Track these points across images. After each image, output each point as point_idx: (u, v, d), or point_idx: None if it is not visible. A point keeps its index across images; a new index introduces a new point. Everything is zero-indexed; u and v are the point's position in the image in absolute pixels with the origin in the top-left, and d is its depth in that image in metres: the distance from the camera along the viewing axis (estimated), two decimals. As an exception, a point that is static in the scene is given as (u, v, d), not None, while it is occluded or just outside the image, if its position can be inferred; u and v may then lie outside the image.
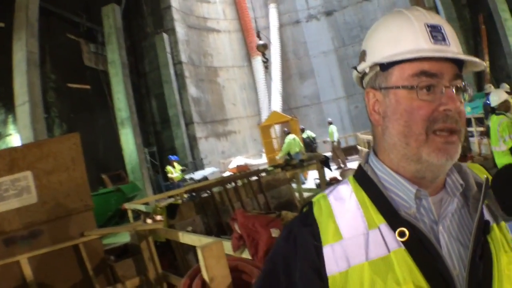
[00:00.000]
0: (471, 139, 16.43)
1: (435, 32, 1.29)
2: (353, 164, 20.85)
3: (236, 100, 32.37)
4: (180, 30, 27.83)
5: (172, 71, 26.19)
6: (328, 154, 19.65)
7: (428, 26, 1.29)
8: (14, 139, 15.90)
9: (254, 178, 10.17)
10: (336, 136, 23.85)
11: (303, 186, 13.70)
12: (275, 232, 3.93)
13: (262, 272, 1.43)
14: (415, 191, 1.29)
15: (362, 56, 1.45)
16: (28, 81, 13.06)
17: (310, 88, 35.12)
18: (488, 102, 9.85)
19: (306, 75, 35.28)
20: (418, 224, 1.25)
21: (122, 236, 9.20)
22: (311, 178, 16.52)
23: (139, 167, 18.44)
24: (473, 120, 16.86)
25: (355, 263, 1.23)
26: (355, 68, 1.48)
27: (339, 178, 13.49)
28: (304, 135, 23.24)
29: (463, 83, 1.30)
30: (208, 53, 31.12)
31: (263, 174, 10.93)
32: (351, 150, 26.90)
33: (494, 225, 1.34)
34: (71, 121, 19.29)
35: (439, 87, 1.26)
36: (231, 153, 30.04)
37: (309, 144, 22.62)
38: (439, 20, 1.33)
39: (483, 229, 1.28)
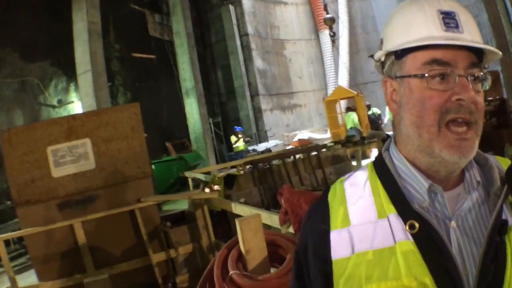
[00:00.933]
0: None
1: (448, 19, 1.24)
2: None
3: (302, 73, 32.09)
4: (246, 1, 27.75)
5: (238, 43, 26.24)
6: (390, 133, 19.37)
7: (441, 12, 1.25)
8: (76, 107, 16.33)
9: (314, 153, 10.19)
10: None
11: (364, 163, 13.59)
12: None
13: (295, 255, 1.45)
14: (428, 185, 1.27)
15: (380, 44, 1.42)
16: (90, 50, 13.18)
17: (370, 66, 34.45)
18: None
19: (374, 51, 34.14)
20: (430, 218, 1.23)
21: (182, 203, 9.40)
22: (374, 156, 16.33)
23: (203, 136, 18.62)
24: None
25: (360, 249, 1.23)
26: (372, 56, 1.46)
27: None
28: (370, 112, 23.01)
29: (482, 72, 1.25)
30: (274, 25, 30.92)
31: (323, 149, 10.92)
32: None
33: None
34: (135, 90, 19.69)
35: (453, 76, 1.22)
36: (295, 127, 29.95)
37: (374, 121, 22.37)
38: (453, 6, 1.28)
39: (500, 228, 1.22)
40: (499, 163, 1.38)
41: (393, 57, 1.34)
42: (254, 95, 27.01)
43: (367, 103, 24.15)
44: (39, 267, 6.09)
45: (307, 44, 32.73)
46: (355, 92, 22.06)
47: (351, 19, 33.20)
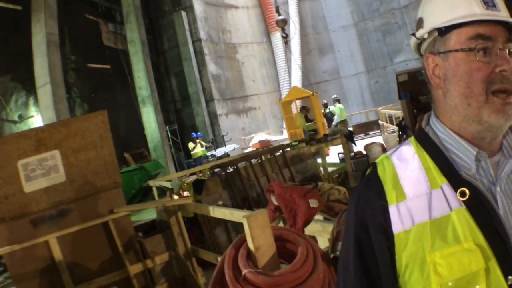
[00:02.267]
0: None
1: None
2: (375, 138, 20.69)
3: (255, 76, 32.32)
4: (198, 7, 27.74)
5: (191, 49, 26.17)
6: (351, 128, 19.51)
7: None
8: (36, 121, 15.99)
9: (278, 153, 10.18)
10: (339, 118, 22.81)
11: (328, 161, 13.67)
12: (313, 203, 3.95)
13: (346, 240, 1.47)
14: (475, 152, 1.33)
15: (420, 23, 1.47)
16: (49, 62, 13.08)
17: (330, 63, 34.98)
18: None
19: (325, 50, 35.10)
20: (478, 185, 1.30)
21: (147, 213, 9.22)
22: (334, 153, 16.35)
23: (161, 145, 18.51)
24: None
25: (419, 221, 1.28)
26: (414, 34, 1.50)
27: (364, 152, 13.42)
28: (327, 110, 23.21)
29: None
30: (226, 29, 31.05)
31: (288, 149, 10.91)
32: (372, 125, 26.72)
33: None
34: (92, 101, 19.43)
35: (494, 49, 1.30)
36: (251, 130, 30.11)
37: (331, 119, 22.54)
38: None
39: None
40: None
41: (436, 34, 1.40)
42: (209, 100, 27.00)
43: (325, 101, 24.43)
44: (19, 286, 5.88)
45: (259, 47, 32.97)
46: (310, 92, 22.21)
47: (301, 20, 33.75)
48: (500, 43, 1.30)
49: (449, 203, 1.28)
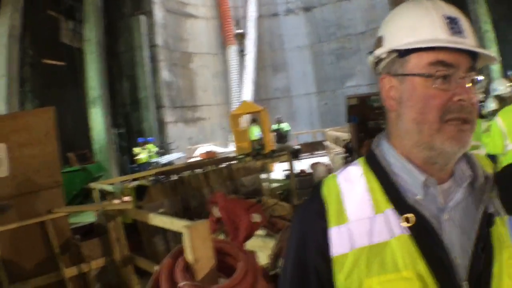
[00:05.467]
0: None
1: (452, 24, 1.31)
2: (321, 158, 20.93)
3: (207, 87, 32.45)
4: (158, 13, 27.68)
5: (146, 54, 26.01)
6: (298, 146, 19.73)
7: (446, 17, 1.32)
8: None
9: (224, 165, 10.22)
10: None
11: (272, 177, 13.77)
12: (255, 217, 4.00)
13: (286, 259, 1.45)
14: (424, 179, 1.32)
15: (379, 41, 1.44)
16: (8, 55, 12.90)
17: (282, 81, 35.46)
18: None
19: (279, 68, 35.57)
20: (424, 211, 1.28)
21: (86, 216, 9.08)
22: (279, 169, 16.47)
23: (107, 147, 18.31)
24: None
25: (359, 245, 1.27)
26: (371, 53, 1.47)
27: (309, 170, 13.59)
28: (277, 126, 23.67)
29: (478, 75, 1.34)
30: (184, 38, 31.08)
31: (234, 161, 10.95)
32: (318, 145, 27.09)
33: (498, 219, 1.36)
34: (43, 97, 19.11)
35: (455, 77, 1.28)
36: (198, 140, 30.11)
37: (282, 136, 22.79)
38: (456, 12, 1.35)
39: (487, 221, 1.32)
40: (480, 160, 1.47)
41: (395, 55, 1.37)
42: (159, 107, 26.87)
43: (279, 116, 24.99)
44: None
45: (213, 58, 33.11)
46: (261, 107, 22.39)
47: (259, 36, 34.07)
48: (461, 71, 1.29)
49: (391, 229, 1.27)
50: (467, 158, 1.43)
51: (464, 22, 1.34)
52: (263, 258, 3.98)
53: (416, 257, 1.23)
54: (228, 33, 31.92)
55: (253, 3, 34.23)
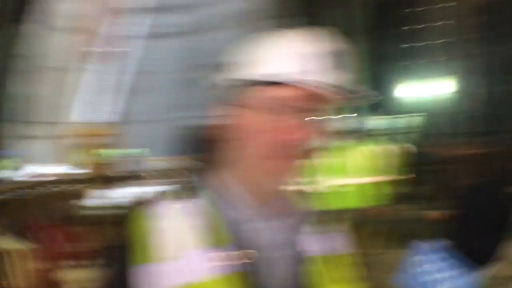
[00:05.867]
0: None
1: (305, 61, 1.27)
2: (162, 187, 20.89)
3: (65, 103, 31.32)
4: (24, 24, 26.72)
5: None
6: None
7: (300, 53, 1.28)
8: None
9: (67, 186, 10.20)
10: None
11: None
12: (76, 246, 4.10)
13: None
14: (250, 213, 1.30)
15: (229, 67, 1.38)
16: None
17: (147, 105, 34.98)
18: None
19: (145, 91, 35.10)
20: (249, 247, 1.26)
21: None
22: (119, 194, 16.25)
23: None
24: None
25: (180, 282, 1.20)
26: (213, 77, 1.43)
27: (134, 201, 13.71)
28: (130, 152, 23.78)
29: (322, 113, 1.33)
30: (45, 50, 30.12)
31: (77, 184, 11.00)
32: (166, 173, 26.78)
33: (316, 256, 1.38)
34: None
35: (298, 114, 1.26)
36: (44, 158, 28.88)
37: (133, 162, 22.85)
38: (315, 48, 1.32)
39: (304, 257, 1.34)
40: (307, 197, 1.51)
41: (238, 83, 1.31)
42: (9, 120, 25.82)
43: (133, 142, 25.34)
44: None
45: (71, 74, 32.07)
46: (119, 130, 22.33)
47: (132, 56, 34.03)
48: (305, 110, 1.27)
49: (213, 265, 1.22)
50: (290, 195, 1.42)
51: (318, 60, 1.29)
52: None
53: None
54: (89, 50, 31.42)
55: (122, 22, 33.91)
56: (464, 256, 0.83)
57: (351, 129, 7.56)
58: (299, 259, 1.33)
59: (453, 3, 15.90)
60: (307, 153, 1.30)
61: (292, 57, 1.26)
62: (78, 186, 11.05)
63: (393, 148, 9.86)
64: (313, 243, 1.40)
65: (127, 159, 23.51)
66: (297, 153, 1.26)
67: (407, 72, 20.94)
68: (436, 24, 16.83)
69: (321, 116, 1.31)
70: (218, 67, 1.43)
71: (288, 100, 1.25)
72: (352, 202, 6.95)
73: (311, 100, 1.26)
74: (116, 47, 32.78)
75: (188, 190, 1.38)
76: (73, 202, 10.10)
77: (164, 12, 35.82)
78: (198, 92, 34.17)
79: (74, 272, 4.07)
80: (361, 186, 7.16)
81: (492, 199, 0.99)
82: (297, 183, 1.39)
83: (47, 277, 3.28)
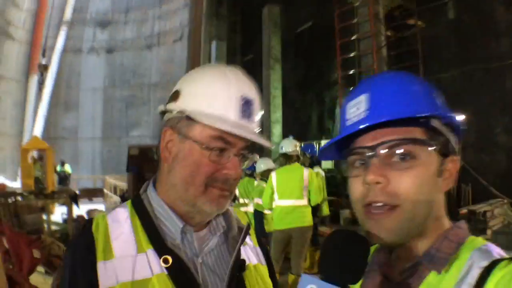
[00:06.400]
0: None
1: (246, 106, 1.44)
2: (97, 205, 20.25)
3: (6, 115, 30.75)
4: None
5: None
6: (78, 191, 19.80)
7: (243, 98, 1.43)
8: None
9: (10, 199, 10.60)
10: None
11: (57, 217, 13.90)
12: (36, 253, 4.27)
13: (63, 283, 1.45)
14: (182, 226, 1.44)
15: (175, 95, 1.49)
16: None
17: (72, 121, 34.57)
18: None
19: (71, 107, 34.70)
20: (181, 254, 1.39)
21: None
22: (59, 212, 15.81)
23: None
24: None
25: (122, 281, 1.32)
26: (165, 104, 1.53)
27: (86, 216, 13.80)
28: (59, 168, 23.50)
29: (248, 153, 1.49)
30: None
31: (19, 197, 11.36)
32: (97, 192, 25.85)
33: (251, 264, 1.57)
34: None
35: (229, 153, 1.41)
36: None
37: (63, 178, 23.02)
38: (253, 94, 1.49)
39: (239, 266, 1.48)
40: (236, 214, 1.67)
41: (184, 115, 1.42)
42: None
43: (62, 158, 24.80)
44: None
45: (17, 85, 31.57)
46: (47, 145, 22.21)
47: (60, 70, 33.25)
48: (236, 149, 1.42)
49: (151, 267, 1.35)
50: (225, 212, 1.57)
51: (256, 104, 1.49)
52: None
53: None
54: (34, 62, 30.46)
55: (62, 36, 33.48)
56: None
57: (292, 153, 7.69)
58: (233, 267, 1.45)
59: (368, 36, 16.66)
60: (235, 187, 1.48)
61: (235, 101, 1.42)
62: (33, 201, 11.19)
63: (321, 171, 10.45)
64: (246, 254, 1.59)
65: (66, 175, 23.22)
66: (226, 187, 1.43)
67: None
68: (350, 56, 17.52)
69: (241, 153, 1.46)
70: (173, 91, 1.52)
71: (225, 140, 1.39)
72: (290, 222, 7.21)
73: (240, 143, 1.42)
74: (54, 60, 32.10)
75: (128, 201, 1.56)
76: (36, 215, 10.31)
77: (88, 27, 35.52)
78: (133, 112, 34.37)
79: (38, 277, 4.34)
80: (298, 207, 7.32)
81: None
82: (241, 204, 1.64)
83: (14, 278, 3.50)
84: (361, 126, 1.12)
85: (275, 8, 21.71)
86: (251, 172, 9.43)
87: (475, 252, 1.07)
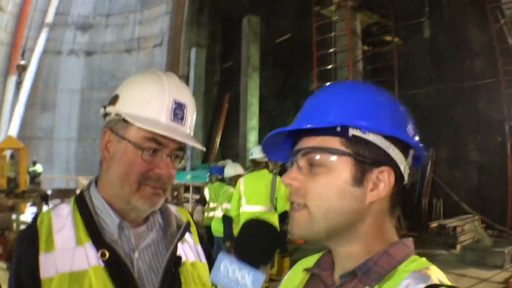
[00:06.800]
0: (186, 205, 17.71)
1: (178, 110, 1.55)
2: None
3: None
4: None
5: None
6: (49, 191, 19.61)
7: (175, 102, 1.55)
8: None
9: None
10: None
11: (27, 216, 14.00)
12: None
13: (10, 276, 1.50)
14: (118, 221, 1.52)
15: (115, 99, 1.59)
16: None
17: (48, 122, 34.26)
18: (214, 172, 10.26)
19: (47, 108, 34.33)
20: (118, 249, 1.47)
21: None
22: (30, 212, 15.99)
23: None
24: (191, 188, 18.35)
25: (61, 271, 1.40)
26: (105, 107, 1.62)
27: None
28: (32, 168, 23.38)
29: (182, 153, 1.59)
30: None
31: None
32: (69, 193, 24.29)
33: (188, 261, 1.65)
34: None
35: (161, 153, 1.51)
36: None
37: (33, 178, 22.87)
38: (186, 98, 1.60)
39: (175, 261, 1.56)
40: (178, 212, 1.77)
41: (121, 117, 1.53)
42: None
43: (34, 159, 24.48)
44: None
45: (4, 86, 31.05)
46: (21, 145, 22.04)
47: (38, 70, 32.87)
48: (168, 150, 1.52)
49: (88, 260, 1.42)
50: (163, 210, 1.69)
51: (189, 109, 1.60)
52: (5, 290, 4.46)
53: (110, 286, 1.41)
54: (13, 62, 30.28)
55: (43, 37, 33.16)
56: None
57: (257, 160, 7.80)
58: (168, 261, 1.54)
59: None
60: (169, 185, 1.58)
61: (167, 105, 1.53)
62: (3, 200, 11.18)
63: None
64: (184, 251, 1.67)
65: (36, 175, 23.05)
66: (159, 185, 1.53)
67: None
68: (327, 68, 17.68)
69: (175, 154, 1.56)
70: (113, 95, 1.62)
71: (157, 141, 1.50)
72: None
73: (172, 144, 1.53)
74: (33, 60, 31.70)
75: (72, 198, 1.64)
76: (4, 214, 10.30)
77: (69, 30, 35.32)
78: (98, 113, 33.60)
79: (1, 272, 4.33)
80: (264, 213, 7.31)
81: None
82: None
83: None
84: (275, 132, 1.21)
85: (255, 18, 21.94)
86: (222, 177, 9.50)
87: (414, 273, 1.05)
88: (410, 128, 1.17)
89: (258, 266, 1.15)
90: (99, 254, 1.43)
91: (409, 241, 1.17)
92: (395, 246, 1.14)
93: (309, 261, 1.34)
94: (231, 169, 9.21)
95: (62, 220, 1.52)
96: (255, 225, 1.29)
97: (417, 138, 1.19)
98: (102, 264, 1.43)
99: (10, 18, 31.60)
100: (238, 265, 1.14)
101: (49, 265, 1.41)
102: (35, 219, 1.55)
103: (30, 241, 1.46)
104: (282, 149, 1.30)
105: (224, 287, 1.14)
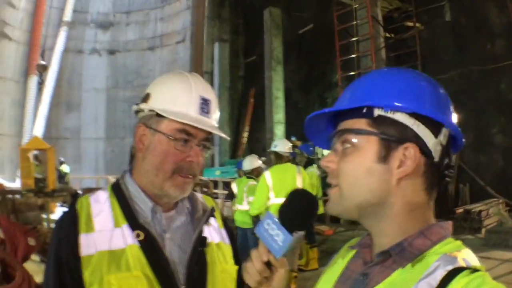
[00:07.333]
0: (218, 200, 17.50)
1: (204, 105, 1.73)
2: None
3: (3, 115, 30.22)
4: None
5: None
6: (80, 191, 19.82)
7: (201, 98, 1.73)
8: None
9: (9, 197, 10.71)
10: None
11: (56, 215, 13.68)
12: (31, 241, 4.46)
13: (48, 260, 1.67)
14: (151, 206, 1.70)
15: (147, 97, 1.76)
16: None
17: (74, 122, 34.23)
18: (240, 167, 10.47)
19: (73, 107, 34.30)
20: (151, 230, 1.64)
21: None
22: (60, 212, 15.79)
23: None
24: (220, 184, 18.42)
25: (100, 249, 1.57)
26: (137, 104, 1.80)
27: None
28: (59, 167, 23.44)
29: (209, 144, 1.77)
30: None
31: (17, 195, 11.41)
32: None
33: (213, 242, 1.84)
34: None
35: (192, 144, 1.68)
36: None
37: (61, 177, 23.01)
38: (211, 95, 1.78)
39: (201, 242, 1.75)
40: (203, 199, 1.95)
41: (154, 113, 1.70)
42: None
43: (62, 159, 24.62)
44: None
45: (15, 85, 31.02)
46: (49, 146, 22.15)
47: (60, 70, 32.62)
48: (197, 140, 1.69)
49: (125, 240, 1.60)
50: (190, 196, 1.86)
51: (213, 104, 1.78)
52: (38, 281, 4.06)
53: (144, 262, 1.59)
54: (33, 62, 30.10)
55: (63, 36, 32.80)
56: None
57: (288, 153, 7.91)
58: (195, 241, 1.73)
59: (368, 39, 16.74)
60: (198, 172, 1.75)
61: (195, 100, 1.71)
62: (33, 199, 11.22)
63: (315, 171, 10.78)
64: (210, 233, 1.85)
65: (63, 174, 23.23)
66: (191, 172, 1.70)
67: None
68: (350, 57, 17.56)
69: (202, 144, 1.73)
70: (143, 95, 1.79)
71: (187, 132, 1.67)
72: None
73: (201, 134, 1.71)
74: (55, 60, 31.46)
75: (109, 185, 1.83)
76: (35, 213, 10.32)
77: (89, 28, 35.31)
78: (124, 111, 33.83)
79: (33, 265, 4.30)
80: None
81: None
82: (203, 191, 1.90)
83: (6, 261, 3.62)
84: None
85: (277, 10, 21.95)
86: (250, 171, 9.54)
87: (445, 256, 1.08)
88: (438, 106, 1.19)
89: (292, 231, 1.27)
90: (135, 234, 1.62)
91: (448, 224, 1.19)
92: (431, 227, 1.16)
93: (356, 240, 1.39)
94: (247, 162, 9.46)
95: (100, 205, 1.70)
96: (300, 195, 1.38)
97: (453, 119, 1.22)
98: (137, 244, 1.61)
99: (24, 15, 31.31)
100: (277, 226, 1.28)
101: (89, 244, 1.58)
102: (73, 204, 1.72)
103: (71, 223, 1.64)
104: (326, 136, 1.36)
105: (262, 239, 1.30)
